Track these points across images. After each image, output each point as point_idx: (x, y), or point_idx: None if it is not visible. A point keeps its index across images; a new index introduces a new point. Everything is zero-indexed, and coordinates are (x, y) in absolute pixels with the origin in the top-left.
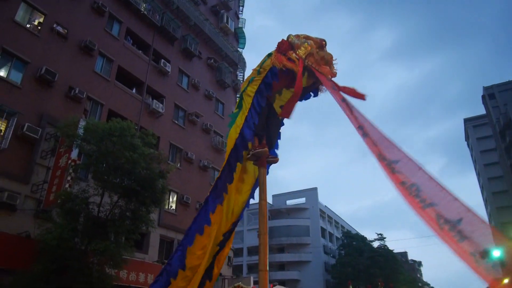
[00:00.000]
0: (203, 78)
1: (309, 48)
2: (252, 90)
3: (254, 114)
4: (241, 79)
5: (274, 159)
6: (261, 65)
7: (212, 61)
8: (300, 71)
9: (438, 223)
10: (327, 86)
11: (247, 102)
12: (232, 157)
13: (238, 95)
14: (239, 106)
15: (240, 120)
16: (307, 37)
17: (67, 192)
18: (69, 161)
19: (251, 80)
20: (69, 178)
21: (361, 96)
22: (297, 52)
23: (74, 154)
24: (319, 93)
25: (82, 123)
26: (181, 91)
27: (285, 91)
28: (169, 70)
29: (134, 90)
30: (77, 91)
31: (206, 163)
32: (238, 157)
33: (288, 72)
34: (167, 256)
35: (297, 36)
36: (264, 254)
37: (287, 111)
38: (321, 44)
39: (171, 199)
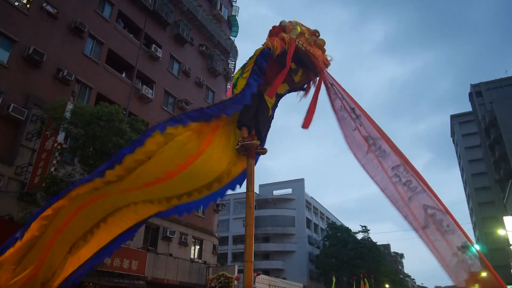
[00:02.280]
0: (195, 65)
1: (301, 30)
2: (246, 75)
3: (247, 93)
4: (233, 67)
5: (263, 150)
6: (254, 53)
7: (204, 48)
8: (293, 46)
9: (426, 213)
10: (319, 67)
11: (241, 84)
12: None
13: (228, 84)
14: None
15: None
16: (299, 24)
17: (53, 176)
18: (55, 144)
19: (243, 66)
20: (54, 161)
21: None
22: (289, 35)
23: (61, 137)
24: (306, 94)
25: (69, 106)
26: (171, 78)
27: (281, 85)
28: (160, 55)
29: (124, 74)
30: (65, 73)
31: None
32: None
33: (277, 58)
34: (152, 243)
35: (290, 22)
36: (250, 245)
37: (274, 89)
38: (313, 33)
39: None
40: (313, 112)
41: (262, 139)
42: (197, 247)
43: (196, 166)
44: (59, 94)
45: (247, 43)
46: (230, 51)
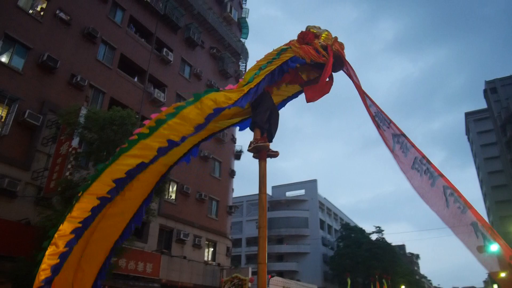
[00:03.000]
0: (206, 67)
1: (330, 35)
2: (264, 72)
3: (259, 89)
4: (244, 69)
5: (275, 153)
6: (276, 55)
7: (214, 50)
8: (331, 56)
9: (445, 194)
10: (352, 75)
11: (256, 81)
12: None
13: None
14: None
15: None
16: (323, 30)
17: (68, 180)
18: (70, 149)
19: (263, 67)
20: (69, 166)
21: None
22: (322, 40)
23: (75, 142)
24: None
25: (83, 111)
26: (183, 81)
27: (284, 86)
28: (172, 59)
29: (136, 79)
30: (79, 79)
31: (206, 154)
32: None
33: (301, 67)
34: (166, 246)
35: (314, 26)
36: (263, 247)
37: (314, 95)
38: (335, 38)
39: (171, 189)
40: (322, 91)
41: (273, 138)
42: (211, 249)
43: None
44: (73, 99)
45: (258, 45)
46: (241, 53)
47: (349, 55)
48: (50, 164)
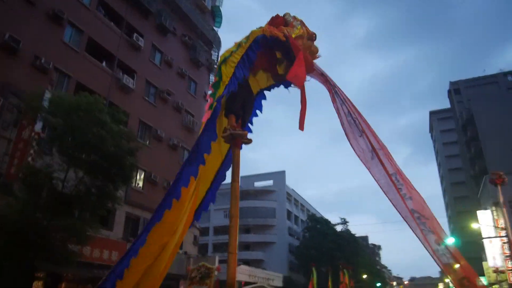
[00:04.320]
0: (177, 55)
1: (301, 31)
2: (234, 60)
3: (234, 82)
4: (216, 58)
5: (248, 140)
6: (247, 37)
7: (187, 38)
8: (293, 40)
9: (413, 215)
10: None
11: (229, 71)
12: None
13: (211, 75)
14: (218, 75)
15: (220, 91)
16: (302, 23)
17: (30, 166)
18: (33, 134)
19: (234, 51)
20: (32, 151)
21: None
22: (288, 31)
23: (38, 126)
24: (289, 87)
25: (47, 95)
26: (153, 67)
27: (260, 73)
28: (142, 45)
29: (104, 64)
30: (43, 61)
31: (176, 142)
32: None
33: (270, 50)
34: (133, 234)
35: (294, 17)
36: (234, 236)
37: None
38: (311, 36)
39: (138, 177)
40: (305, 113)
41: (246, 124)
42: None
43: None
44: (37, 82)
45: (231, 34)
46: (214, 42)
47: (324, 50)
48: (11, 149)
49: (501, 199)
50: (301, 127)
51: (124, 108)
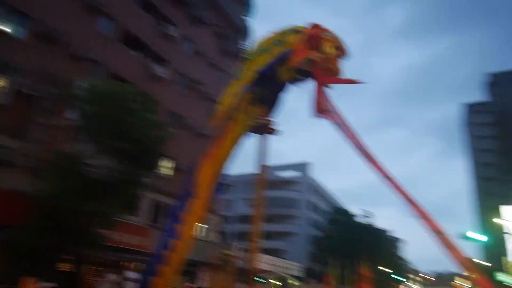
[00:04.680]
0: (208, 45)
1: (329, 51)
2: (263, 60)
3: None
4: (248, 49)
5: (274, 130)
6: (282, 39)
7: (219, 28)
8: (319, 75)
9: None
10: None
11: (264, 60)
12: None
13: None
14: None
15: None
16: (334, 39)
17: (64, 152)
18: (68, 121)
19: (265, 49)
20: (67, 138)
21: (357, 82)
22: (317, 56)
23: (73, 114)
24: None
25: (83, 84)
26: (184, 57)
27: (286, 68)
28: (174, 34)
29: (137, 53)
30: (79, 51)
31: (204, 131)
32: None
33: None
34: (158, 220)
35: (326, 31)
36: (258, 225)
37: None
38: (338, 46)
39: (166, 165)
40: (322, 99)
41: (271, 114)
42: (202, 225)
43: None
44: (73, 71)
45: (263, 24)
46: (245, 32)
47: (356, 42)
48: (46, 135)
49: None
50: (318, 112)
51: (155, 97)
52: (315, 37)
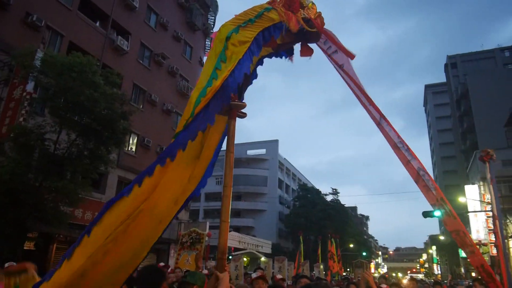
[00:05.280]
0: (173, 18)
1: (315, 8)
2: (247, 35)
3: (247, 59)
4: (212, 23)
5: (244, 114)
6: (257, 14)
7: (183, 0)
8: (320, 26)
9: (419, 173)
10: (338, 47)
11: (243, 47)
12: (217, 98)
13: (208, 40)
14: (222, 53)
15: (225, 72)
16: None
17: (21, 126)
18: (24, 94)
19: (242, 25)
20: (23, 111)
21: (352, 55)
22: (307, 12)
23: (30, 86)
24: (289, 57)
25: (39, 54)
26: (148, 29)
27: (265, 48)
28: (137, 5)
29: (98, 23)
30: (35, 18)
31: (169, 107)
32: (224, 99)
33: (286, 35)
34: None
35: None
36: (227, 206)
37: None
38: (318, 14)
39: (131, 141)
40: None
41: (241, 98)
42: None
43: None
44: (28, 40)
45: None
46: (211, 6)
47: (323, 16)
48: (1, 108)
49: (488, 176)
50: (351, 55)
51: (117, 71)
52: (296, 3)
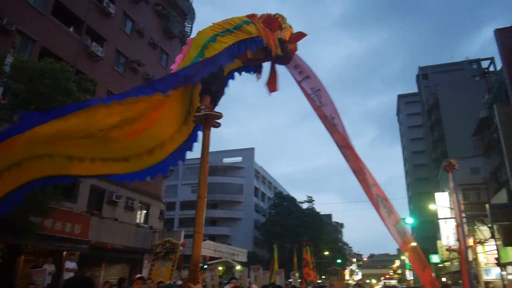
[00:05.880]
0: (149, 25)
1: (290, 31)
2: (223, 45)
3: (216, 61)
4: (189, 31)
5: (218, 124)
6: (236, 26)
7: (160, 7)
8: (293, 51)
9: (377, 200)
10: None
11: (218, 48)
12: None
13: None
14: (200, 55)
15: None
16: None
17: None
18: None
19: (220, 34)
20: None
21: (302, 35)
22: (284, 34)
23: None
24: (258, 75)
25: (9, 59)
26: (124, 36)
27: (236, 61)
28: (113, 11)
29: (71, 29)
30: (5, 22)
31: None
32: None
33: (261, 50)
34: (97, 207)
35: (282, 17)
36: (201, 216)
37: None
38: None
39: None
40: (275, 78)
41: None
42: (144, 212)
43: (145, 133)
44: None
45: (206, 7)
46: (188, 14)
47: (300, 28)
48: None
49: (452, 185)
50: (272, 88)
51: (91, 77)
52: (275, 23)
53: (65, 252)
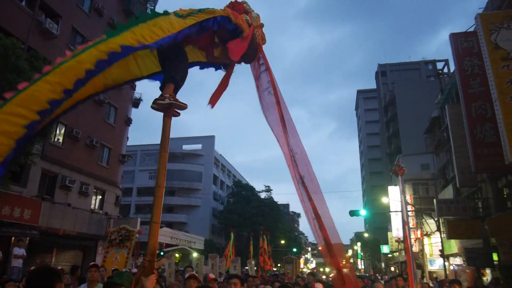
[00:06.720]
0: (109, 4)
1: (259, 20)
2: (189, 21)
3: (180, 36)
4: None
5: (178, 113)
6: (201, 9)
7: None
8: (250, 35)
9: (311, 216)
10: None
11: (181, 25)
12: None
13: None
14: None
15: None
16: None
17: None
18: None
19: (184, 15)
20: None
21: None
22: (250, 20)
23: None
24: (218, 69)
25: None
26: (81, 14)
27: (191, 48)
28: None
29: (23, 3)
30: None
31: (102, 98)
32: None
33: (220, 33)
34: (48, 191)
35: (246, 3)
36: (159, 206)
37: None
38: (261, 25)
39: (58, 132)
40: (222, 92)
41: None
42: (99, 197)
43: None
44: None
45: None
46: None
47: (265, 17)
48: None
49: (400, 187)
50: (213, 102)
51: (45, 55)
52: (240, 5)
53: (13, 238)
